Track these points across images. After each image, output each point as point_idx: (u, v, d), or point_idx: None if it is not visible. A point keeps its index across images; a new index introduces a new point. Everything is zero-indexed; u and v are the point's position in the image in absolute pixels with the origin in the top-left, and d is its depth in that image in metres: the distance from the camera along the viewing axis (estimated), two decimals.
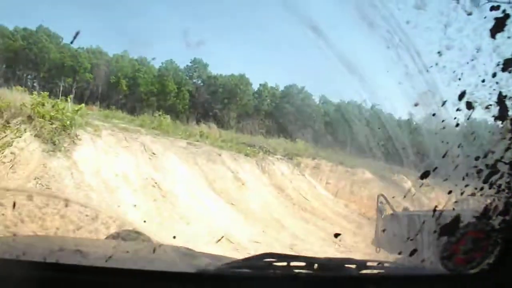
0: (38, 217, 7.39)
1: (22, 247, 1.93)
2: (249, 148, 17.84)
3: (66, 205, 7.91)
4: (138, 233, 5.35)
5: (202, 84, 37.22)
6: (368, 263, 1.74)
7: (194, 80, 37.52)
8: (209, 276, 1.51)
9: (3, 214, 6.90)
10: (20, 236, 3.72)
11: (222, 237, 9.58)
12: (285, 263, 1.57)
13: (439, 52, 1.82)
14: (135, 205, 10.26)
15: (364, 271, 1.70)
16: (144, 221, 8.41)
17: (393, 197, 9.27)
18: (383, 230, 7.86)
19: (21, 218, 7.17)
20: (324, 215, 14.56)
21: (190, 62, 37.27)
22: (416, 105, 2.16)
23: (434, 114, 1.92)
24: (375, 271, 1.76)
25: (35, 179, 9.86)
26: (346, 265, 1.68)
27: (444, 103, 1.82)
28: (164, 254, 2.38)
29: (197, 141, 16.75)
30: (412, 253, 1.76)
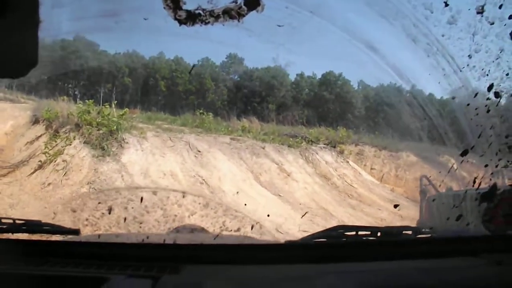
0: (160, 207, 8.69)
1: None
2: (291, 139, 17.78)
3: (183, 196, 9.30)
4: (195, 226, 5.80)
5: (239, 79, 37.25)
6: (422, 229, 2.04)
7: (231, 76, 37.62)
8: (296, 245, 1.84)
9: (132, 207, 8.46)
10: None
11: (306, 212, 10.45)
12: (354, 232, 1.87)
13: (469, 55, 2.22)
14: (237, 192, 11.28)
15: (419, 235, 1.99)
16: (245, 204, 9.98)
17: (430, 176, 9.25)
18: (429, 211, 7.86)
19: (147, 209, 8.61)
20: (371, 201, 14.48)
21: (226, 58, 37.41)
22: (453, 98, 2.48)
23: (468, 104, 2.20)
24: (428, 235, 2.04)
25: (88, 183, 10.26)
26: (404, 231, 1.97)
27: (476, 94, 2.13)
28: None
29: (240, 136, 16.87)
30: (458, 218, 2.02)
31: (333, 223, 11.19)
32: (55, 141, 11.68)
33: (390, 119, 22.55)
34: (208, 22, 1.80)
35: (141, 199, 8.94)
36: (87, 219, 8.14)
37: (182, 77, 35.45)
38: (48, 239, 2.04)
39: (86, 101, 13.83)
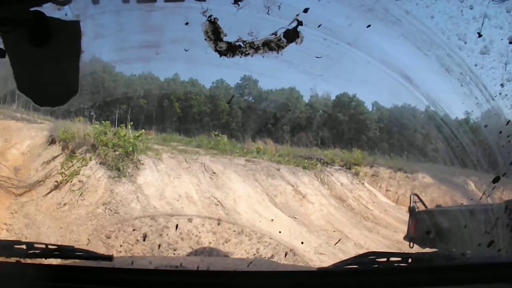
0: (195, 234, 8.73)
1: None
2: (306, 161, 17.66)
3: (218, 224, 9.43)
4: (228, 252, 5.81)
5: (253, 100, 37.30)
6: (453, 254, 2.03)
7: (245, 97, 37.67)
8: (329, 272, 1.83)
9: (167, 235, 8.52)
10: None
11: (340, 239, 10.30)
12: (385, 259, 1.87)
13: (501, 84, 2.23)
14: (272, 220, 11.14)
15: (451, 261, 1.97)
16: (280, 232, 9.71)
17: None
18: (416, 226, 7.97)
19: (182, 236, 8.65)
20: (386, 223, 14.32)
21: (240, 80, 37.45)
22: (485, 126, 2.49)
23: (500, 132, 2.20)
24: (460, 261, 2.02)
25: (103, 204, 10.30)
26: (435, 257, 1.96)
27: (508, 122, 2.12)
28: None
29: (255, 157, 16.79)
30: (490, 244, 2.00)
31: (349, 246, 11.08)
32: (71, 162, 11.74)
33: (405, 140, 22.40)
34: (248, 54, 1.83)
35: (176, 226, 8.97)
36: (121, 245, 8.13)
37: (196, 98, 35.60)
38: (81, 265, 2.04)
39: (103, 122, 13.91)
